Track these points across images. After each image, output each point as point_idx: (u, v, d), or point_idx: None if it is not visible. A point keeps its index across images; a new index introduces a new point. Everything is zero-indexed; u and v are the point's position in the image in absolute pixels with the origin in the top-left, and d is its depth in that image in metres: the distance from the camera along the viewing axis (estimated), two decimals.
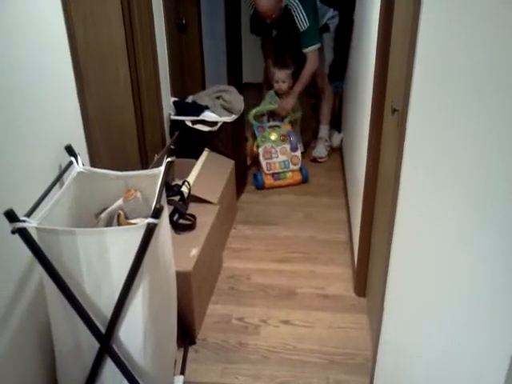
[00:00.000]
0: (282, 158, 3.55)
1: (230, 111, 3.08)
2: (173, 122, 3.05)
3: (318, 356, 2.11)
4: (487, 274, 0.83)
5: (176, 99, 3.13)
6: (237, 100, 3.15)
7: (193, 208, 2.46)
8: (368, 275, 2.39)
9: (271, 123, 3.70)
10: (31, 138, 1.59)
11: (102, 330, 1.49)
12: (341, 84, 4.27)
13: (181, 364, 2.02)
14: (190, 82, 3.71)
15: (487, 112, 0.83)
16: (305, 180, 3.61)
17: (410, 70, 1.35)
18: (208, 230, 2.33)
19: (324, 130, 4.03)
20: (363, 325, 2.27)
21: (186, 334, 2.16)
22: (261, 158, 3.54)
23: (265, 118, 3.84)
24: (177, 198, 2.47)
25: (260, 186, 3.53)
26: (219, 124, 2.99)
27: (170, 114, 3.05)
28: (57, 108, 1.77)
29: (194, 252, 2.14)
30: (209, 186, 2.71)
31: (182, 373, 1.98)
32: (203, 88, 3.73)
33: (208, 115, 3.02)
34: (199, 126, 3.00)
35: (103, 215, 1.68)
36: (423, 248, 1.25)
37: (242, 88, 4.68)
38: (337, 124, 4.28)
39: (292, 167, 3.57)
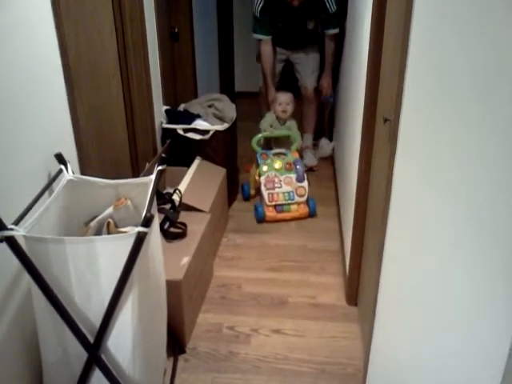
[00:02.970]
0: (286, 188, 3.22)
1: (221, 120, 3.09)
2: (164, 130, 3.04)
3: (309, 366, 2.10)
4: (480, 282, 0.82)
5: (168, 107, 3.13)
6: (229, 108, 3.15)
7: (184, 216, 2.45)
8: (359, 284, 2.38)
9: (276, 150, 3.42)
10: (20, 145, 1.58)
11: (91, 339, 1.48)
12: (332, 93, 4.29)
13: (170, 373, 2.01)
14: (182, 90, 3.72)
15: (480, 122, 0.84)
16: (312, 214, 3.27)
17: (401, 79, 1.36)
18: (199, 238, 2.32)
19: (309, 139, 4.07)
20: (354, 334, 2.27)
21: (176, 343, 2.14)
22: (262, 187, 3.22)
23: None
24: (168, 207, 2.46)
25: (260, 219, 3.20)
26: (211, 132, 2.99)
27: (161, 123, 3.05)
28: (47, 116, 1.76)
29: (185, 260, 2.12)
30: (200, 195, 2.71)
31: (172, 382, 1.97)
32: (195, 96, 3.74)
33: (200, 124, 3.02)
34: (191, 135, 3.00)
35: (93, 224, 1.67)
36: (415, 257, 1.25)
37: (234, 97, 4.69)
38: (329, 133, 4.30)
39: (297, 199, 3.22)
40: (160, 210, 2.31)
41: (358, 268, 2.37)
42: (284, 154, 3.38)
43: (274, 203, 3.20)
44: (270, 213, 3.20)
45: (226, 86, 4.80)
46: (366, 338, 1.95)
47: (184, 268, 2.08)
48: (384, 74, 1.90)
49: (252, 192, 3.48)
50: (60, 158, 1.71)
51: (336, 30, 3.61)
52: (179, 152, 2.96)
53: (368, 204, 2.20)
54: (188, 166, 2.95)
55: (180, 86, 3.71)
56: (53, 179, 1.68)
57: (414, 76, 1.27)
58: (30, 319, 1.55)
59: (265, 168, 3.26)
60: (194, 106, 3.17)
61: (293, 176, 3.24)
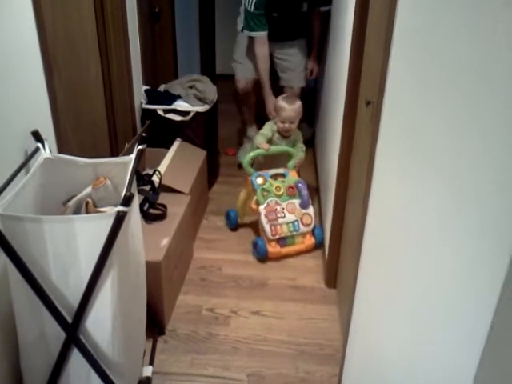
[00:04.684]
0: (289, 217, 2.68)
1: (202, 101, 3.05)
2: (144, 110, 2.99)
3: (288, 347, 2.12)
4: (460, 264, 0.83)
5: (148, 88, 3.08)
6: (210, 90, 3.12)
7: (164, 198, 2.43)
8: (339, 267, 2.40)
9: (273, 171, 2.81)
10: None
11: (69, 319, 1.46)
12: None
13: (150, 354, 2.00)
14: (162, 70, 3.65)
15: (463, 104, 0.84)
16: (319, 244, 2.76)
17: (385, 61, 1.35)
18: (179, 220, 2.31)
19: (253, 131, 3.75)
20: (333, 316, 2.29)
21: (156, 325, 2.13)
22: (263, 219, 2.65)
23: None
24: (147, 188, 2.43)
25: (262, 257, 2.66)
26: (191, 114, 2.95)
27: (141, 103, 3.00)
28: (23, 92, 1.71)
29: (165, 242, 2.11)
30: (180, 176, 2.68)
31: (151, 363, 1.96)
32: (176, 77, 3.68)
33: (180, 104, 2.98)
34: (171, 116, 2.96)
35: (71, 203, 1.64)
36: (395, 239, 1.25)
37: (215, 79, 4.63)
38: (309, 118, 4.29)
39: (303, 229, 2.71)
40: (139, 192, 2.28)
41: (337, 251, 2.38)
42: (283, 176, 2.82)
43: (277, 236, 2.67)
44: (273, 248, 2.66)
45: (207, 67, 4.74)
46: (344, 320, 1.97)
47: (164, 249, 2.06)
48: (367, 57, 1.89)
49: (239, 220, 2.95)
50: (37, 136, 1.67)
51: (330, 7, 3.41)
52: (159, 133, 2.92)
53: (348, 188, 2.21)
54: (168, 147, 2.91)
55: (160, 67, 3.65)
56: (29, 157, 1.64)
57: (399, 58, 1.26)
58: (6, 296, 1.53)
59: (264, 194, 2.72)
60: (174, 87, 3.12)
61: (296, 202, 2.74)
